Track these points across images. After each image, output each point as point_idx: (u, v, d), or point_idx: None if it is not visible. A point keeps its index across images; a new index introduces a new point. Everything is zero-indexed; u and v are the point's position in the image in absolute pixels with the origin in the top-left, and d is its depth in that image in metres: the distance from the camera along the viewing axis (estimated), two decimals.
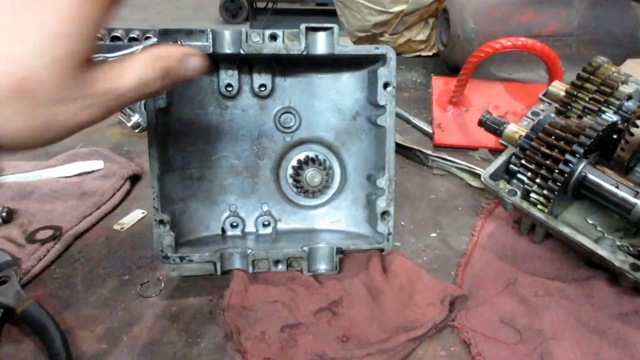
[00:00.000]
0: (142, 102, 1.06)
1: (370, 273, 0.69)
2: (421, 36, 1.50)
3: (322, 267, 0.70)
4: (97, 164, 0.95)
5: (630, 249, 0.73)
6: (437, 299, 0.66)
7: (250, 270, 0.70)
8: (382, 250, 0.72)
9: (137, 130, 1.10)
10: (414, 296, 0.66)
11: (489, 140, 0.99)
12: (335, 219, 0.77)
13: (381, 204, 0.70)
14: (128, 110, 1.10)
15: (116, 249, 0.77)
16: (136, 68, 0.40)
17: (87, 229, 0.81)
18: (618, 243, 0.73)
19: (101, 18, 0.36)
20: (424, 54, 1.54)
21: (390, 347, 0.59)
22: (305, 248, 0.69)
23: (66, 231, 0.79)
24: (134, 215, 0.84)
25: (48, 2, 0.33)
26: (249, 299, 0.67)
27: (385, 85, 0.66)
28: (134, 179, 0.94)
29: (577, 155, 0.67)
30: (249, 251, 0.69)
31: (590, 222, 0.78)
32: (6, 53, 0.32)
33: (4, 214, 0.81)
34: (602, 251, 0.67)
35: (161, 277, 0.72)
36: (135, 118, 1.09)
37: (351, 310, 0.65)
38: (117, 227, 0.82)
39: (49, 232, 0.78)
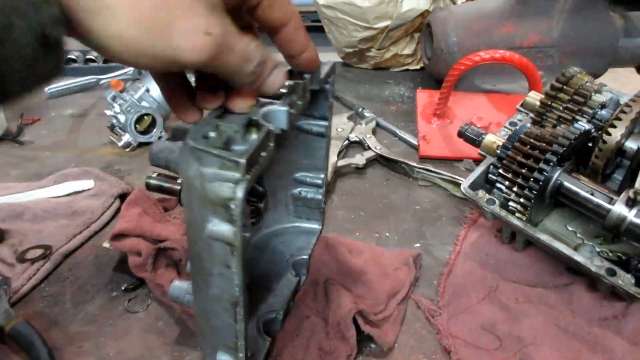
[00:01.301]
0: (133, 120, 1.08)
1: (341, 258, 0.74)
2: (408, 50, 1.52)
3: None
4: (87, 184, 0.97)
5: (610, 254, 0.74)
6: (401, 263, 0.76)
7: None
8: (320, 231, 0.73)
9: (127, 150, 1.11)
10: (383, 266, 0.74)
11: (473, 151, 1.00)
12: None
13: (318, 196, 0.71)
14: (119, 130, 1.12)
15: (105, 267, 0.79)
16: (245, 42, 0.39)
17: (76, 247, 0.83)
18: (598, 249, 0.75)
19: None
20: (411, 67, 1.56)
21: (390, 314, 0.68)
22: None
23: (56, 250, 0.80)
24: None
25: None
26: None
27: (330, 105, 0.64)
28: (124, 197, 0.95)
29: (551, 163, 0.69)
30: None
31: (570, 229, 0.79)
32: None
33: None
34: (579, 257, 0.68)
35: (149, 293, 0.73)
36: (126, 138, 1.11)
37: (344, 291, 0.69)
38: (106, 244, 0.83)
39: (39, 251, 0.79)
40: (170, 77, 0.45)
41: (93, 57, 1.50)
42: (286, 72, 0.45)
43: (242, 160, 0.37)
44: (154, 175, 0.71)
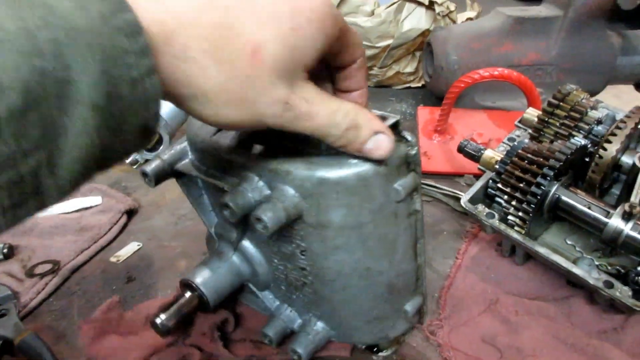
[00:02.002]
0: None
1: None
2: (409, 68, 1.55)
3: None
4: (95, 200, 0.99)
5: (609, 267, 0.75)
6: None
7: None
8: None
9: (134, 167, 1.14)
10: None
11: (474, 166, 1.02)
12: None
13: None
14: None
15: (112, 281, 0.80)
16: (326, 115, 0.43)
17: (84, 262, 0.84)
18: (596, 262, 0.76)
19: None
20: (413, 85, 1.59)
21: None
22: None
23: (64, 265, 0.82)
24: (130, 248, 0.87)
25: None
26: None
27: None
28: (130, 213, 0.97)
29: (548, 178, 0.70)
30: None
31: (569, 242, 0.80)
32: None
33: (5, 250, 0.84)
34: (577, 270, 0.69)
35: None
36: (133, 155, 1.13)
37: None
38: (113, 259, 0.85)
39: (48, 266, 0.81)
40: None
41: None
42: (393, 138, 0.47)
43: (412, 138, 0.51)
44: (162, 316, 0.59)
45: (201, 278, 0.61)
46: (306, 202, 0.49)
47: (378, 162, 0.48)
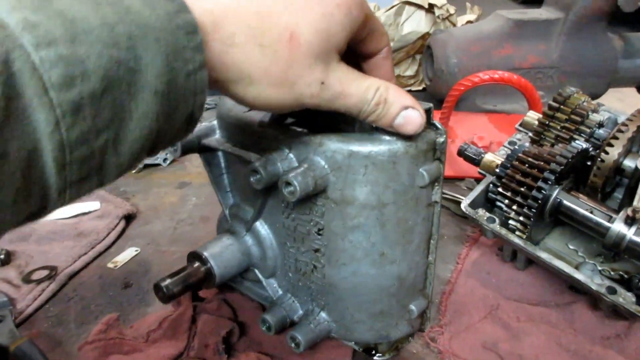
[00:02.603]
0: None
1: None
2: (410, 72, 1.55)
3: None
4: (93, 205, 0.98)
5: (611, 273, 0.74)
6: None
7: None
8: None
9: (133, 171, 1.13)
10: None
11: (475, 170, 1.01)
12: None
13: None
14: None
15: (109, 287, 0.80)
16: (359, 93, 0.45)
17: (81, 268, 0.84)
18: (599, 268, 0.75)
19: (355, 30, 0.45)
20: (413, 88, 1.58)
21: None
22: None
23: (61, 271, 0.81)
24: (128, 253, 0.87)
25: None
26: None
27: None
28: (129, 218, 0.96)
29: (549, 182, 0.69)
30: None
31: (571, 247, 0.79)
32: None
33: (2, 256, 0.84)
34: (579, 275, 0.68)
35: (151, 312, 0.74)
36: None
37: None
38: (110, 265, 0.84)
39: (45, 272, 0.81)
40: None
41: None
42: (423, 114, 0.48)
43: (442, 127, 0.53)
44: (168, 280, 0.59)
45: (211, 251, 0.62)
46: (334, 175, 0.50)
47: (408, 140, 0.49)
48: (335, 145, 0.50)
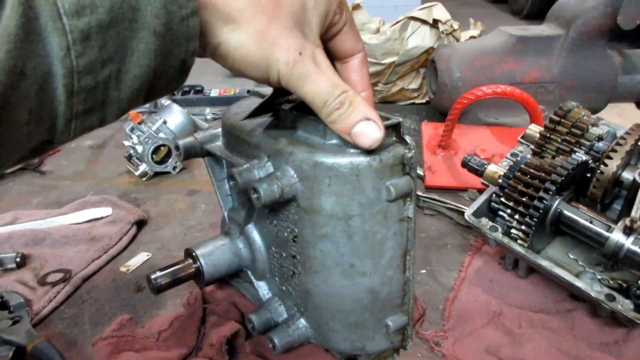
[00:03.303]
0: (150, 151, 1.13)
1: None
2: (413, 85, 1.58)
3: None
4: (106, 211, 1.01)
5: (610, 281, 0.76)
6: None
7: None
8: None
9: (144, 179, 1.16)
10: None
11: (477, 181, 1.04)
12: None
13: None
14: (136, 160, 1.17)
15: (122, 290, 0.82)
16: (329, 84, 0.46)
17: (95, 271, 0.86)
18: (599, 276, 0.77)
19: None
20: (417, 101, 1.62)
21: None
22: None
23: (75, 274, 0.84)
24: (139, 258, 0.89)
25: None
26: None
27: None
28: (140, 224, 0.99)
29: (550, 192, 0.72)
30: None
31: (571, 256, 0.82)
32: None
33: (18, 259, 0.86)
34: (579, 283, 0.70)
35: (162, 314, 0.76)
36: (143, 167, 1.16)
37: None
38: (123, 269, 0.87)
39: (59, 275, 0.83)
40: None
41: None
42: (383, 131, 0.48)
43: (411, 142, 0.52)
44: (158, 273, 0.63)
45: (202, 250, 0.65)
46: (302, 185, 0.52)
47: (372, 154, 0.50)
48: (302, 155, 0.51)
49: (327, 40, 0.51)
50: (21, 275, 0.84)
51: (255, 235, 0.65)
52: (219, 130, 0.67)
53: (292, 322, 0.62)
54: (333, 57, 0.54)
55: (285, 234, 0.58)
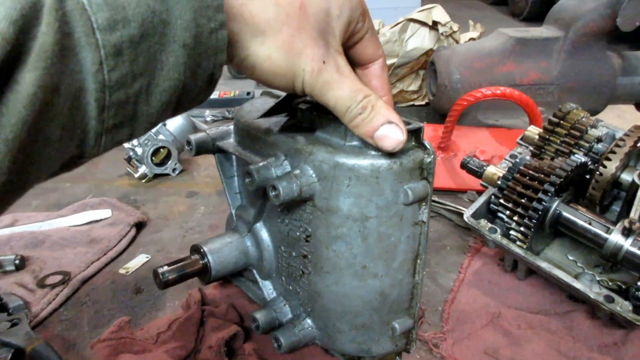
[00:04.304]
0: (149, 153, 1.13)
1: None
2: (413, 87, 1.58)
3: None
4: (105, 213, 1.01)
5: (609, 283, 0.76)
6: None
7: None
8: None
9: (143, 181, 1.16)
10: None
11: (477, 183, 1.04)
12: None
13: None
14: (135, 162, 1.17)
15: (121, 292, 0.82)
16: (351, 90, 0.47)
17: (94, 273, 0.86)
18: (598, 278, 0.77)
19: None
20: (416, 103, 1.62)
21: None
22: None
23: (74, 276, 0.84)
24: (139, 260, 0.89)
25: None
26: None
27: None
28: (139, 225, 0.99)
29: (549, 194, 0.72)
30: None
31: (570, 258, 0.82)
32: None
33: (17, 262, 0.86)
34: (578, 284, 0.70)
35: (161, 316, 0.76)
36: (142, 169, 1.16)
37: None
38: (122, 271, 0.87)
39: (58, 277, 0.83)
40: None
41: None
42: (406, 134, 0.49)
43: (430, 148, 0.53)
44: (166, 268, 0.63)
45: (210, 246, 0.65)
46: (320, 184, 0.52)
47: (393, 157, 0.50)
48: (323, 156, 0.52)
49: (349, 47, 0.52)
50: (20, 278, 0.84)
51: (264, 234, 0.65)
52: (231, 127, 0.67)
53: (298, 322, 0.62)
54: (354, 63, 0.54)
55: (298, 234, 0.58)
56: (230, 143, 0.66)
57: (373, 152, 0.51)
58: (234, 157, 0.69)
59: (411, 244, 0.56)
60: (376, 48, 0.53)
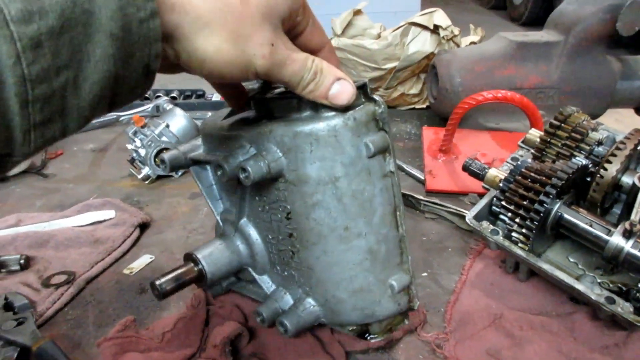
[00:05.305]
0: (153, 154, 1.14)
1: None
2: (414, 90, 1.59)
3: None
4: (109, 214, 1.02)
5: (610, 285, 0.77)
6: None
7: None
8: None
9: (146, 182, 1.17)
10: None
11: (478, 185, 1.04)
12: None
13: None
14: (139, 163, 1.18)
15: (125, 292, 0.83)
16: (301, 61, 0.49)
17: (98, 273, 0.87)
18: (599, 280, 0.78)
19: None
20: (417, 106, 1.63)
21: None
22: None
23: (79, 276, 0.84)
24: (143, 260, 0.90)
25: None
26: None
27: None
28: (143, 226, 1.00)
29: (551, 196, 0.73)
30: None
31: (572, 260, 0.82)
32: None
33: (22, 261, 0.87)
34: (580, 286, 0.71)
35: (166, 316, 0.76)
36: (146, 170, 1.16)
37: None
38: (126, 271, 0.87)
39: (63, 277, 0.84)
40: (229, 87, 0.63)
41: None
42: (354, 84, 0.53)
43: (380, 99, 0.56)
44: (162, 279, 0.62)
45: (202, 252, 0.66)
46: (286, 158, 0.55)
47: (346, 115, 0.53)
48: (282, 130, 0.54)
49: (293, 37, 0.53)
50: (25, 277, 0.84)
51: (251, 229, 0.67)
52: (199, 139, 0.70)
53: (300, 304, 0.63)
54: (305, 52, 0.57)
55: (279, 215, 0.60)
56: (201, 154, 0.69)
57: (326, 114, 0.53)
58: (208, 167, 0.71)
59: (386, 196, 0.58)
60: (321, 36, 0.55)
